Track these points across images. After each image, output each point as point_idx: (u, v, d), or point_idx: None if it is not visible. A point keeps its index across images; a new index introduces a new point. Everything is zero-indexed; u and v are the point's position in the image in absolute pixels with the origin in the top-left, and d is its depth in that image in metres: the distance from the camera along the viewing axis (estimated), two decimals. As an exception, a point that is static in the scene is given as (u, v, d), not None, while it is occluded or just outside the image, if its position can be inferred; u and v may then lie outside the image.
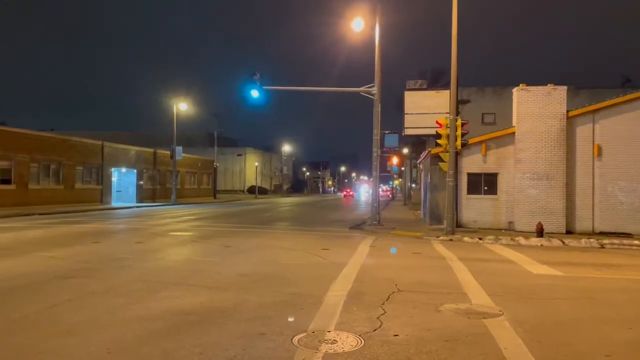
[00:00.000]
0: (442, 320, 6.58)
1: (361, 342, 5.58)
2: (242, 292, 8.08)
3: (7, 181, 29.76)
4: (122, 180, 43.32)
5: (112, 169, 40.50)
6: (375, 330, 6.05)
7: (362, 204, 49.95)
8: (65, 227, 19.36)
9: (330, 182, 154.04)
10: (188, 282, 8.85)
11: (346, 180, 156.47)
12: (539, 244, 15.78)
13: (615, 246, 15.71)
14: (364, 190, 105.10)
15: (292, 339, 5.64)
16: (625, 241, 16.22)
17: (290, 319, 6.49)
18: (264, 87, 22.31)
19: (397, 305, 7.28)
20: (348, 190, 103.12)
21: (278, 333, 5.87)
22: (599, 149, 18.92)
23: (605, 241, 16.09)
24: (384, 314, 6.80)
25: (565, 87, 19.24)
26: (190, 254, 12.91)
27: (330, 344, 5.51)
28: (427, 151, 24.35)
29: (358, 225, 22.27)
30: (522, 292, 8.49)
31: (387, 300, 7.60)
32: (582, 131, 19.06)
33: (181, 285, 8.60)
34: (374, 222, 21.96)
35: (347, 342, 5.58)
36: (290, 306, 7.17)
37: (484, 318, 6.71)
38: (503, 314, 6.93)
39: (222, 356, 5.13)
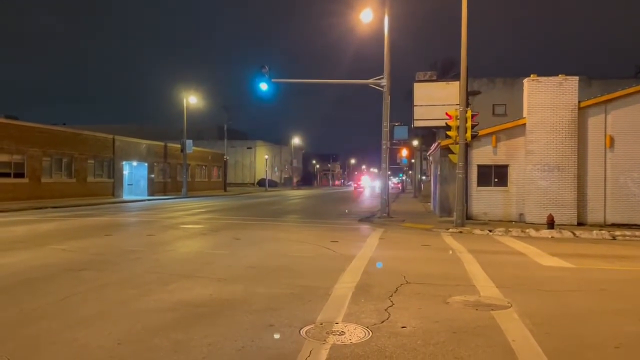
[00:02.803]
0: (450, 312, 6.58)
1: (369, 333, 5.61)
2: (251, 284, 8.14)
3: (20, 175, 30.07)
4: (134, 173, 43.62)
5: (124, 163, 40.77)
6: (382, 322, 6.08)
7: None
8: (77, 220, 19.57)
9: (340, 175, 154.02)
10: (198, 275, 8.93)
11: (356, 173, 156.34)
12: (550, 236, 15.69)
13: (627, 238, 15.58)
14: (365, 183, 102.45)
15: (300, 331, 5.68)
16: (637, 233, 16.06)
17: (299, 311, 6.53)
18: (273, 80, 22.29)
19: (405, 298, 7.30)
20: (359, 183, 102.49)
21: (286, 325, 5.92)
22: (611, 139, 18.72)
23: (617, 233, 15.96)
24: (391, 305, 6.82)
25: (577, 78, 19.03)
26: (201, 247, 13.01)
27: (338, 335, 5.55)
28: (436, 143, 24.27)
29: (367, 218, 22.27)
30: (532, 284, 8.46)
31: (395, 292, 7.62)
32: (594, 122, 18.86)
33: (191, 277, 8.68)
34: (384, 215, 21.94)
35: (355, 333, 5.61)
36: (298, 298, 7.22)
37: (492, 310, 6.70)
38: (512, 306, 6.92)
39: (230, 347, 5.19)
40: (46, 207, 25.93)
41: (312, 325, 5.88)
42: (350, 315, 6.36)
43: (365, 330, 5.71)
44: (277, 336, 5.55)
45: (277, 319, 6.13)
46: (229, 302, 6.98)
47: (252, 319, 6.19)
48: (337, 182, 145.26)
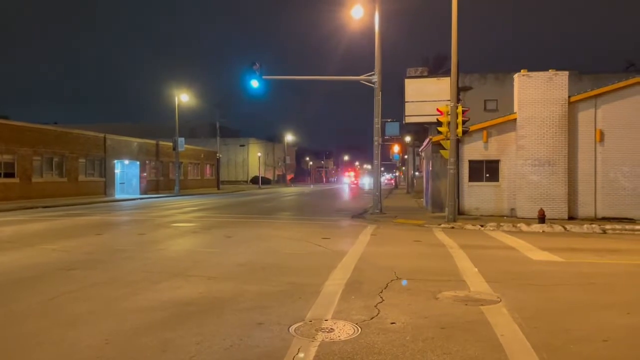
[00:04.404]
0: (440, 308, 6.59)
1: (358, 330, 5.61)
2: (241, 282, 8.12)
3: (11, 175, 29.83)
4: (125, 172, 43.39)
5: (115, 161, 40.54)
6: (372, 318, 6.08)
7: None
8: (68, 220, 19.45)
9: (334, 172, 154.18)
10: (188, 273, 8.90)
11: (347, 172, 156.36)
12: (541, 230, 15.77)
13: (618, 231, 15.69)
14: (350, 179, 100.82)
15: (289, 328, 5.67)
16: (627, 226, 16.20)
17: (288, 309, 6.52)
18: (264, 77, 22.25)
19: (395, 293, 7.31)
20: (353, 180, 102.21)
21: (275, 322, 5.90)
22: (601, 134, 18.82)
23: (608, 226, 16.06)
24: (381, 302, 6.83)
25: (567, 73, 19.11)
26: (192, 245, 12.96)
27: (327, 332, 5.54)
28: (428, 139, 24.30)
29: (360, 215, 22.29)
30: (522, 279, 8.50)
31: (385, 288, 7.63)
32: (584, 116, 18.95)
33: (181, 276, 8.65)
34: (376, 211, 21.98)
35: (344, 330, 5.61)
36: (288, 296, 7.21)
37: (482, 305, 6.72)
38: (501, 300, 6.95)
39: (219, 345, 5.17)
40: (37, 207, 25.76)
41: (302, 323, 5.87)
42: (340, 312, 6.36)
43: (355, 327, 5.71)
44: (266, 334, 5.53)
45: (266, 317, 6.12)
46: (219, 300, 6.96)
47: (241, 317, 6.17)
48: (329, 178, 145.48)
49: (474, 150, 20.06)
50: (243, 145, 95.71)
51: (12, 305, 6.70)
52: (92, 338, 5.40)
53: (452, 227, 16.53)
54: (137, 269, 9.23)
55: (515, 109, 19.49)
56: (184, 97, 45.57)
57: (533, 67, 19.36)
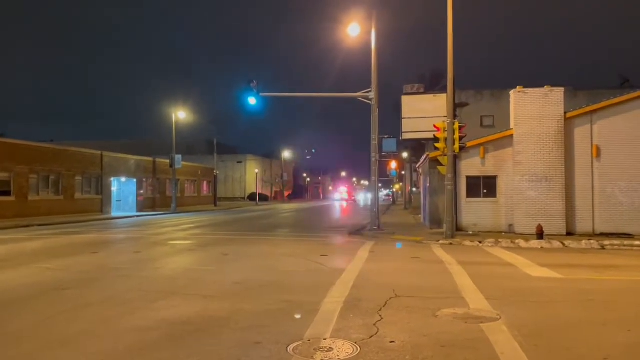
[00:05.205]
0: (439, 326, 6.52)
1: (357, 349, 5.53)
2: (239, 300, 8.04)
3: (7, 193, 29.70)
4: (122, 189, 43.28)
5: (112, 179, 40.46)
6: (371, 337, 6.00)
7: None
8: (64, 238, 19.32)
9: (331, 188, 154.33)
10: (185, 292, 8.80)
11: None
12: (539, 247, 15.72)
13: (616, 247, 15.65)
14: (342, 195, 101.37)
15: (287, 348, 5.59)
16: (625, 242, 16.16)
17: (286, 327, 6.43)
18: (261, 94, 22.32)
19: (394, 311, 7.23)
20: (350, 195, 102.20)
21: (273, 342, 5.82)
22: (598, 149, 18.87)
23: (606, 242, 16.03)
24: (380, 320, 6.75)
25: (562, 89, 19.22)
26: (188, 263, 12.86)
27: (326, 352, 5.46)
28: (425, 155, 24.33)
29: (358, 231, 22.21)
30: (521, 296, 8.43)
31: (384, 306, 7.55)
32: (581, 132, 19.03)
33: (178, 294, 8.56)
34: (374, 227, 21.91)
35: (343, 349, 5.53)
36: (286, 314, 7.13)
37: (482, 322, 6.65)
38: (501, 318, 6.88)
39: (216, 366, 5.08)
40: (33, 225, 25.59)
41: (300, 342, 5.79)
42: (339, 330, 6.28)
43: (354, 346, 5.63)
44: (263, 354, 5.45)
45: (264, 336, 6.04)
46: (216, 319, 6.88)
47: (239, 336, 6.08)
48: (327, 195, 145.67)
49: (471, 166, 20.08)
50: (240, 162, 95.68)
51: (5, 327, 6.59)
52: (87, 359, 5.31)
53: (451, 244, 16.47)
54: (132, 288, 9.13)
55: (512, 125, 19.56)
56: (181, 114, 45.70)
57: (528, 84, 19.49)
